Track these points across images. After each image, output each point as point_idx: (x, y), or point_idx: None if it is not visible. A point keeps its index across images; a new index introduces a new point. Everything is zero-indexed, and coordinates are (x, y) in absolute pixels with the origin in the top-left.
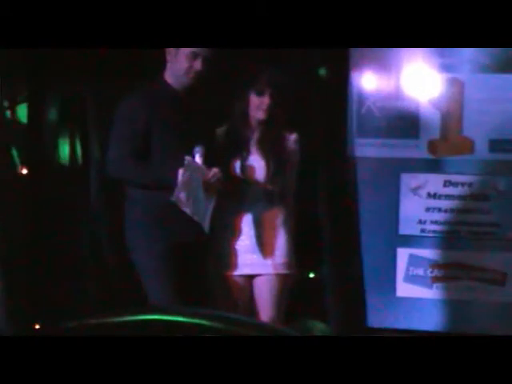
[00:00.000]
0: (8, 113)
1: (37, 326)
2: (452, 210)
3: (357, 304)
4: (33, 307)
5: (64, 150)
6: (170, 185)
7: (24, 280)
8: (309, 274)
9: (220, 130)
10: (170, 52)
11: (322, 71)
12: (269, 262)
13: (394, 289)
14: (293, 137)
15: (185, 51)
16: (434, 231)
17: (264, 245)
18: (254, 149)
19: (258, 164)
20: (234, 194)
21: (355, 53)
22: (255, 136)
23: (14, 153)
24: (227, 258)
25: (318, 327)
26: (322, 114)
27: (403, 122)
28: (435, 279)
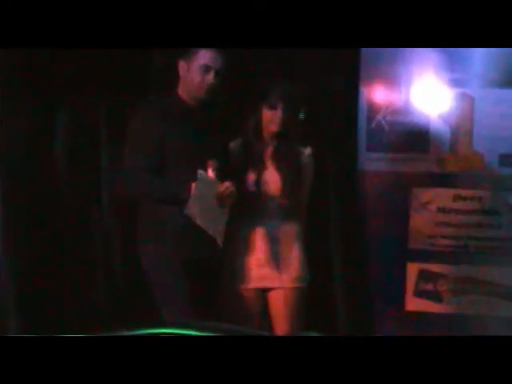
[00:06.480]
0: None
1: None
2: (462, 225)
3: (366, 318)
4: (44, 319)
5: (76, 165)
6: (184, 199)
7: (37, 292)
8: (319, 287)
9: (233, 144)
10: (183, 66)
11: (333, 85)
12: (283, 275)
13: (403, 303)
14: (307, 151)
15: (197, 65)
16: (444, 246)
17: (278, 258)
18: (267, 163)
19: (272, 178)
20: (248, 208)
21: (365, 67)
22: (269, 150)
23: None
24: (241, 271)
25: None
26: (332, 128)
27: (413, 137)
28: (445, 293)
